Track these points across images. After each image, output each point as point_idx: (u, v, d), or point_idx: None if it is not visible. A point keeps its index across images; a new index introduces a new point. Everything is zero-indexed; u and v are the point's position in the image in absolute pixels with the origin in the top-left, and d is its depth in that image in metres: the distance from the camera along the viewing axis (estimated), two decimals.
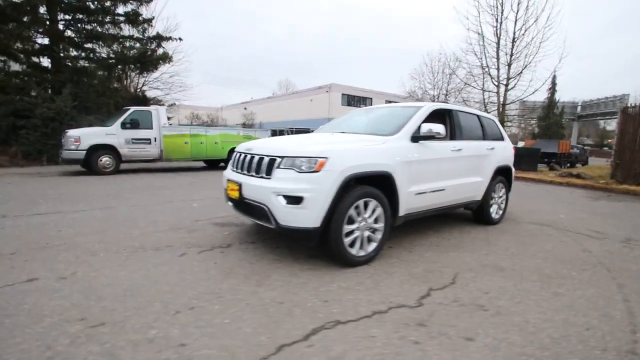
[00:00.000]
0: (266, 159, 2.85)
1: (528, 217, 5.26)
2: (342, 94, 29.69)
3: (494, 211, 4.64)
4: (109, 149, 8.74)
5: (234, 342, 1.77)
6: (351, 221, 2.80)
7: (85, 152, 8.31)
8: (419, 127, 3.35)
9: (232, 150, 10.96)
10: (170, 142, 9.60)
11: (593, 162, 24.39)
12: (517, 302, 2.36)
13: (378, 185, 2.95)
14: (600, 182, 10.62)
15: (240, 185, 2.96)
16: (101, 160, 8.60)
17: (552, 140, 21.22)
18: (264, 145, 3.07)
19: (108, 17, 12.79)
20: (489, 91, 16.82)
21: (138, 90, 17.57)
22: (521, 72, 15.60)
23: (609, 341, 1.92)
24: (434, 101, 27.59)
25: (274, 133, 13.09)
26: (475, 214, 4.60)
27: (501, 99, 16.24)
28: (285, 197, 2.62)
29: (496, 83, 16.19)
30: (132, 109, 9.35)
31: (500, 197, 4.75)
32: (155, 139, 9.39)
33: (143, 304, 2.12)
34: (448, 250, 3.45)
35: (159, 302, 2.15)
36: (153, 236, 3.54)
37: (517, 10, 15.18)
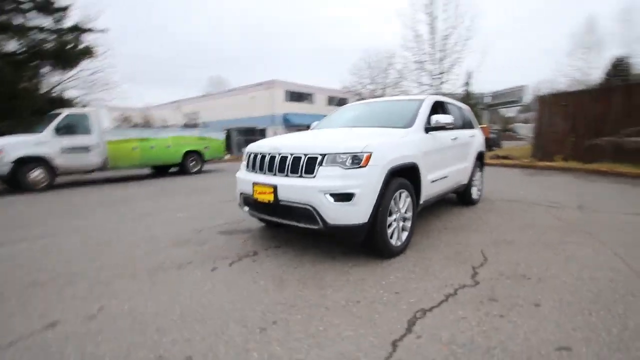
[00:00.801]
0: (304, 158, 2.75)
1: (494, 196, 5.93)
2: (285, 91, 29.37)
3: (475, 192, 5.14)
4: (39, 161, 7.41)
5: (347, 347, 1.72)
6: (390, 213, 2.87)
7: (11, 165, 6.92)
8: (429, 118, 3.55)
9: (188, 154, 10.18)
10: (116, 149, 8.51)
11: (505, 145, 28.22)
12: (545, 269, 2.68)
13: (406, 176, 3.06)
14: (524, 161, 12.39)
15: (275, 187, 2.80)
16: (31, 175, 7.26)
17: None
18: (293, 144, 2.96)
19: (12, 3, 10.66)
20: (425, 84, 18.30)
21: (52, 90, 15.06)
22: (452, 67, 17.32)
23: (631, 287, 2.31)
24: (373, 95, 29.01)
25: (229, 133, 12.42)
26: (460, 197, 5.03)
27: (437, 91, 17.80)
28: (333, 195, 2.57)
29: (431, 77, 17.70)
30: (65, 112, 8.05)
31: (479, 179, 5.27)
32: (95, 145, 8.23)
33: (218, 328, 1.91)
34: (458, 233, 3.73)
35: (234, 323, 1.96)
36: (162, 254, 3.15)
37: (447, 10, 16.76)
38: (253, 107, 28.72)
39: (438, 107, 4.20)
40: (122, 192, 7.19)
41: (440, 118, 3.51)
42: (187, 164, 10.34)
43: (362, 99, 30.66)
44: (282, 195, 2.77)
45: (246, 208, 3.35)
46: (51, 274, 2.75)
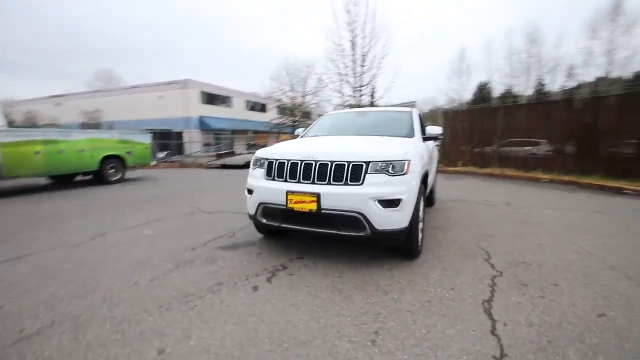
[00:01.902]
0: (348, 165, 2.74)
1: (439, 197, 6.81)
2: (201, 92, 27.26)
3: (435, 195, 5.83)
4: None
5: (462, 343, 1.83)
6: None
7: None
8: (425, 129, 3.93)
9: (107, 160, 8.63)
10: (12, 153, 6.65)
11: None
12: (534, 256, 3.28)
13: (423, 182, 3.33)
14: None
15: (318, 195, 2.71)
16: None
17: None
18: (332, 150, 2.91)
19: None
20: (348, 95, 19.58)
21: None
22: (369, 82, 18.95)
23: (598, 263, 3.04)
24: (293, 102, 29.50)
25: (154, 135, 10.82)
26: (427, 199, 5.64)
27: (358, 102, 19.23)
28: (381, 201, 2.65)
29: (353, 89, 19.03)
30: None
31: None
32: None
33: (327, 349, 1.79)
34: (444, 232, 4.20)
35: (337, 340, 1.87)
36: (172, 279, 2.69)
37: (364, 29, 18.32)
38: (164, 108, 25.85)
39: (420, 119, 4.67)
40: (37, 207, 5.66)
41: (432, 129, 3.93)
42: (106, 171, 8.73)
43: (284, 105, 30.92)
44: (326, 203, 2.71)
45: (263, 220, 3.12)
46: (49, 313, 2.08)
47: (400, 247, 3.02)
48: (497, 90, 47.07)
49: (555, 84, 43.88)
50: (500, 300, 2.33)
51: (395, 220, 2.72)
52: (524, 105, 14.14)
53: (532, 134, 12.31)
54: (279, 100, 29.02)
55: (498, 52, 57.25)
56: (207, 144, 23.51)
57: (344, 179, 2.74)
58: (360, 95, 19.13)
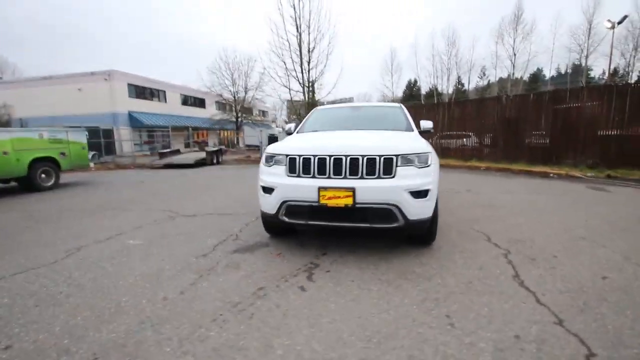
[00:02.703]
0: (380, 159, 2.78)
1: None
2: (129, 84, 24.36)
3: None
4: None
5: (523, 317, 2.04)
6: None
7: None
8: (419, 123, 4.16)
9: (37, 163, 7.31)
10: None
11: None
12: (520, 234, 3.73)
13: None
14: None
15: (354, 189, 2.70)
16: None
17: None
18: (359, 145, 2.91)
19: None
20: (296, 90, 19.49)
21: None
22: (316, 79, 19.12)
23: (579, 233, 3.60)
24: (234, 96, 28.32)
25: (88, 134, 9.31)
26: None
27: (306, 98, 19.29)
28: (412, 192, 2.76)
29: (301, 84, 19.00)
30: None
31: None
32: None
33: (411, 336, 1.83)
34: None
35: (416, 327, 1.92)
36: (210, 289, 2.46)
37: (309, 26, 18.36)
38: (86, 102, 22.58)
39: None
40: None
41: (425, 123, 4.18)
42: (36, 176, 7.36)
43: (224, 100, 29.46)
44: (361, 197, 2.72)
45: (286, 218, 3.00)
46: (77, 344, 1.72)
47: (424, 234, 3.18)
48: (424, 88, 51.47)
49: (471, 83, 49.48)
50: (525, 275, 2.63)
51: (425, 209, 2.86)
52: (459, 102, 15.68)
53: (466, 128, 13.81)
54: (219, 95, 27.57)
55: (423, 53, 62.24)
56: (148, 142, 21.30)
57: (377, 173, 2.79)
58: (309, 91, 19.22)
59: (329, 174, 2.84)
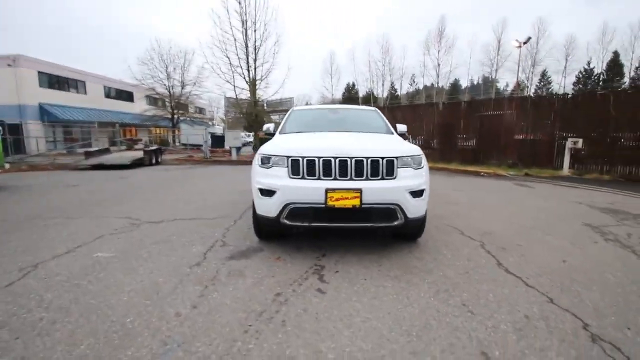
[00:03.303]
0: (382, 161, 2.90)
1: None
2: (40, 72, 20.69)
3: None
4: None
5: (522, 299, 2.35)
6: None
7: None
8: (396, 127, 4.42)
9: None
10: None
11: None
12: (491, 224, 4.22)
13: None
14: None
15: (361, 190, 2.78)
16: None
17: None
18: (360, 147, 3.00)
19: None
20: (242, 88, 18.83)
21: None
22: (262, 77, 18.73)
23: (529, 225, 4.20)
24: (169, 91, 26.22)
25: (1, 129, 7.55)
26: None
27: (252, 96, 18.78)
28: (411, 192, 2.95)
29: (247, 82, 18.42)
30: None
31: None
32: None
33: (443, 326, 1.99)
34: None
35: (443, 317, 2.09)
36: (225, 300, 2.30)
37: (255, 22, 17.92)
38: None
39: None
40: None
41: (401, 127, 4.46)
42: None
43: (157, 95, 27.00)
44: (367, 198, 2.81)
45: (287, 221, 2.95)
46: None
47: (415, 231, 3.40)
48: (361, 91, 54.07)
49: (403, 89, 53.47)
50: (506, 262, 3.00)
51: (421, 208, 3.07)
52: (401, 107, 16.87)
53: (408, 131, 14.93)
54: (151, 88, 25.23)
55: (361, 59, 65.31)
56: (70, 139, 18.39)
57: (380, 174, 2.91)
58: (256, 89, 18.75)
59: (335, 175, 2.88)
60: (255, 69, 18.37)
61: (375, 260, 3.03)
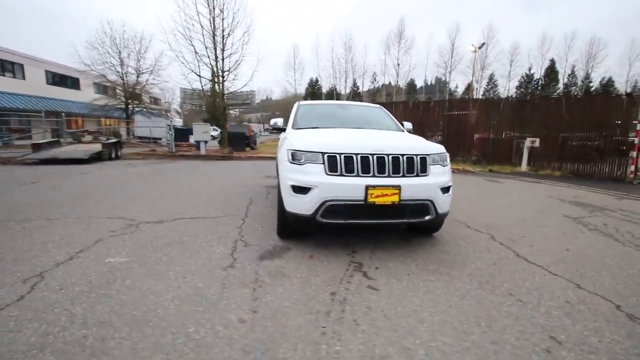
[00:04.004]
0: (417, 158, 2.97)
1: None
2: None
3: None
4: None
5: (553, 285, 2.56)
6: None
7: None
8: (403, 124, 4.53)
9: None
10: None
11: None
12: (491, 217, 4.52)
13: None
14: None
15: (399, 187, 2.82)
16: None
17: (243, 125, 26.31)
18: (394, 144, 3.05)
19: None
20: (208, 79, 17.91)
21: None
22: (230, 69, 17.98)
23: (519, 217, 4.57)
24: (122, 79, 24.16)
25: None
26: None
27: (221, 89, 17.96)
28: (442, 188, 3.07)
29: (215, 72, 17.57)
30: None
31: None
32: None
33: (505, 316, 2.11)
34: None
35: (501, 307, 2.21)
36: (284, 303, 2.21)
37: (223, 10, 17.11)
38: None
39: None
40: None
41: (408, 125, 4.58)
42: None
43: (109, 83, 24.66)
44: (405, 194, 2.86)
45: (323, 219, 2.90)
46: None
47: (436, 226, 3.53)
48: (324, 87, 54.38)
49: (365, 86, 54.71)
50: (522, 252, 3.25)
51: (448, 204, 3.20)
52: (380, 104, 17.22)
53: None
54: (102, 75, 23.01)
55: (324, 55, 65.59)
56: (11, 130, 16.02)
57: (415, 171, 2.97)
58: (223, 81, 17.96)
59: (374, 172, 2.89)
60: (223, 59, 17.60)
61: (407, 255, 3.10)
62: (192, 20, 16.52)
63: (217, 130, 22.35)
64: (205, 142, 15.63)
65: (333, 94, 50.24)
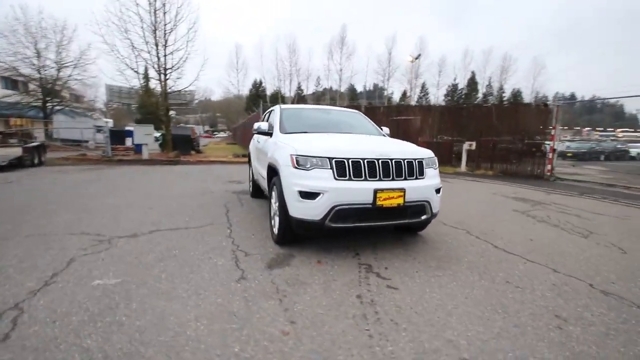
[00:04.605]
0: (415, 162, 3.16)
1: None
2: None
3: None
4: None
5: (543, 276, 2.94)
6: None
7: None
8: (382, 129, 4.76)
9: None
10: None
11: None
12: (473, 220, 4.98)
13: None
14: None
15: (404, 190, 2.97)
16: None
17: (187, 127, 24.73)
18: (394, 149, 3.19)
19: None
20: (151, 77, 16.50)
21: None
22: (174, 67, 16.81)
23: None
24: (39, 72, 21.01)
25: None
26: None
27: (163, 87, 16.67)
28: (436, 190, 3.32)
29: (157, 70, 16.25)
30: None
31: None
32: None
33: (526, 305, 2.38)
34: None
35: (518, 299, 2.48)
36: (316, 311, 2.19)
37: (165, 4, 15.94)
38: None
39: None
40: None
41: (386, 130, 4.83)
42: None
43: (22, 77, 21.13)
44: (409, 196, 3.04)
45: (332, 223, 2.93)
46: None
47: (424, 225, 3.78)
48: (269, 89, 53.80)
49: (309, 90, 55.46)
50: (498, 244, 3.66)
51: (439, 204, 3.46)
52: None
53: None
54: (13, 68, 19.69)
55: (268, 57, 64.80)
56: None
57: (415, 174, 3.17)
58: (166, 79, 16.69)
59: (380, 176, 3.00)
60: (165, 56, 16.36)
61: (407, 254, 3.28)
62: (129, 11, 15.11)
63: (158, 133, 20.63)
64: (146, 145, 14.37)
65: (277, 97, 49.94)
